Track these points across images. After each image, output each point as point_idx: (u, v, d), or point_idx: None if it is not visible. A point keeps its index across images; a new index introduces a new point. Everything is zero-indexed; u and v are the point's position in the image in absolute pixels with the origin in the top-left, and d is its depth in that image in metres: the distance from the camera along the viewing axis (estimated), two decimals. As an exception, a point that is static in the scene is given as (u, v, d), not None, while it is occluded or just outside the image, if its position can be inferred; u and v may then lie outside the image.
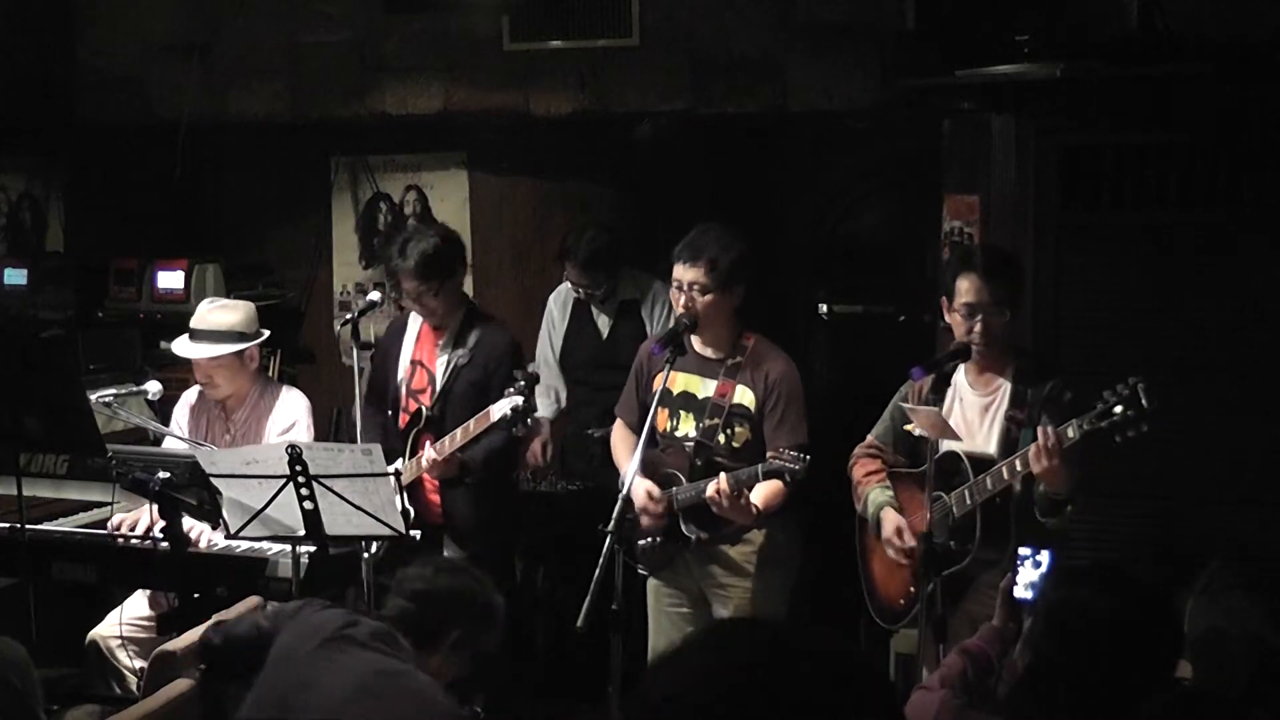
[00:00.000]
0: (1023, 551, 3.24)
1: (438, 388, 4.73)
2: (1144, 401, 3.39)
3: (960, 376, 3.96)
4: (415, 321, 4.85)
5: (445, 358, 4.74)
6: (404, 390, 4.82)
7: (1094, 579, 2.68)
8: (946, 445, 3.90)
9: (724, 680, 1.39)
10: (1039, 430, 3.57)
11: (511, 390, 4.33)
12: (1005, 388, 3.89)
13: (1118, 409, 3.43)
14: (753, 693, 1.38)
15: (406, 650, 3.16)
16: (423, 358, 4.82)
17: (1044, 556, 3.21)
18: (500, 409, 4.34)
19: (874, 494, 4.08)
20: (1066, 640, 2.56)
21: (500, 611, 3.38)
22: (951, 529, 3.81)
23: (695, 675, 1.42)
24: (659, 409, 4.23)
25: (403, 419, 4.78)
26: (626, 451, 4.34)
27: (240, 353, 4.72)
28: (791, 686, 1.38)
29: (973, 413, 3.93)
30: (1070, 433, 3.52)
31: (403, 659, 3.13)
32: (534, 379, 4.39)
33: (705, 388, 4.28)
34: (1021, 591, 3.19)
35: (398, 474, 4.09)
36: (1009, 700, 2.81)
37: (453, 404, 4.66)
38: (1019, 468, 3.64)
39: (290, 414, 4.79)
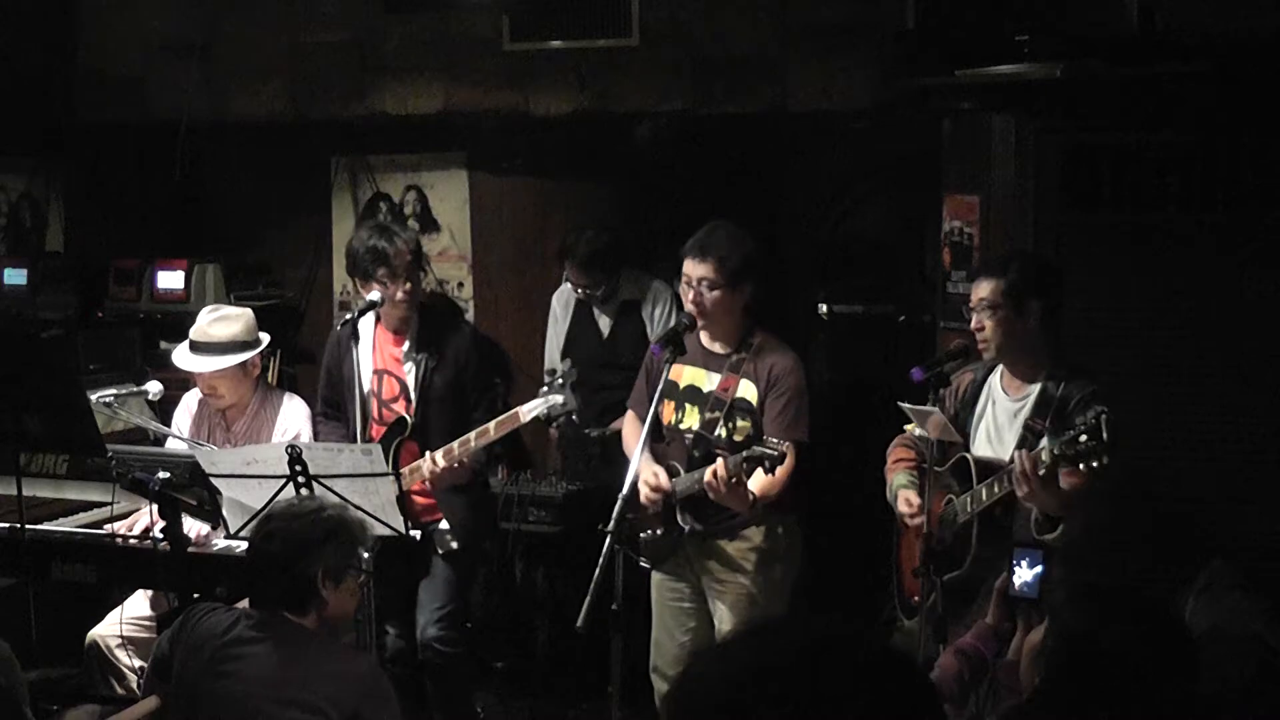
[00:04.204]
0: (1018, 551, 3.24)
1: (412, 394, 4.58)
2: (1105, 434, 3.34)
3: (995, 380, 3.95)
4: (367, 333, 4.62)
5: (412, 364, 4.60)
6: (375, 402, 4.64)
7: (1109, 602, 2.66)
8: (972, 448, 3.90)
9: (764, 679, 1.40)
10: (1016, 455, 3.55)
11: (546, 389, 4.21)
12: (1034, 394, 3.87)
13: (1083, 438, 3.39)
14: (793, 691, 1.38)
15: (290, 621, 3.25)
16: (387, 366, 4.66)
17: (1038, 557, 3.21)
18: (532, 409, 4.20)
19: (897, 478, 4.10)
20: (1079, 664, 2.56)
21: (352, 517, 3.36)
22: (955, 534, 3.81)
23: (736, 675, 1.42)
24: (665, 401, 4.27)
25: (376, 430, 4.59)
26: (635, 442, 4.34)
27: (243, 362, 4.72)
28: (830, 684, 1.39)
29: (1004, 418, 3.92)
30: (1044, 456, 3.49)
31: (293, 629, 3.24)
32: (573, 375, 4.21)
33: (710, 381, 4.31)
34: (1017, 591, 3.19)
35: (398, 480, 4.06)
36: (1017, 715, 2.80)
37: (432, 408, 4.55)
38: (1007, 484, 3.61)
39: (291, 423, 4.77)
